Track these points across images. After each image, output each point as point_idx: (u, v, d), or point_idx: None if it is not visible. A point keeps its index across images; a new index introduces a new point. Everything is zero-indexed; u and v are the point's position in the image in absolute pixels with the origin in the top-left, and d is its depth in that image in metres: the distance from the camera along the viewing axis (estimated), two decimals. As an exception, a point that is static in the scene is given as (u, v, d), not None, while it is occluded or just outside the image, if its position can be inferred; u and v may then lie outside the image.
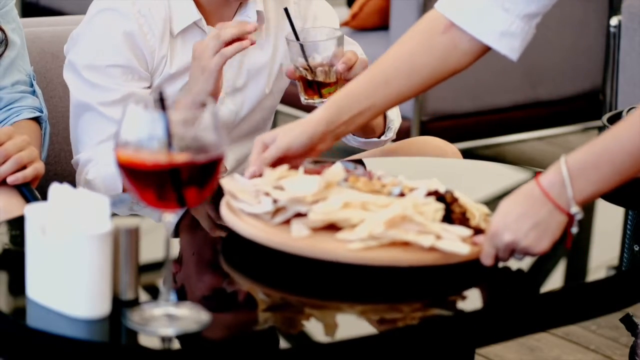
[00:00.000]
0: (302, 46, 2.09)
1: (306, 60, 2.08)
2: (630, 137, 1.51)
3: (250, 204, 1.60)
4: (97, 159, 2.12)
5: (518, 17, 1.78)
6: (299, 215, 1.58)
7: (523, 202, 1.53)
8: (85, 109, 2.16)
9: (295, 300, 1.51)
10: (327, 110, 1.80)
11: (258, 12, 2.27)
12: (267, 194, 1.59)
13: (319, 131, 1.79)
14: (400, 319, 1.47)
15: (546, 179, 1.53)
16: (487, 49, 1.83)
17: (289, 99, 2.47)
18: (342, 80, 2.09)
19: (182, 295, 1.49)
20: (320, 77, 2.09)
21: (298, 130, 1.79)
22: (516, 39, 1.80)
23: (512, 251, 1.55)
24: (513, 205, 1.54)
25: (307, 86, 2.11)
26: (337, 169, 1.63)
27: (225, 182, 1.64)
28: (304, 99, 2.13)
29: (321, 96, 2.10)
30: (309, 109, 1.98)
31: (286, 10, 2.15)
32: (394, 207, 1.57)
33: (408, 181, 1.74)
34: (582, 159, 1.53)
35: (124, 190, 2.03)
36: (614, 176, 1.52)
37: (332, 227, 1.58)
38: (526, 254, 1.54)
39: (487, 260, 1.56)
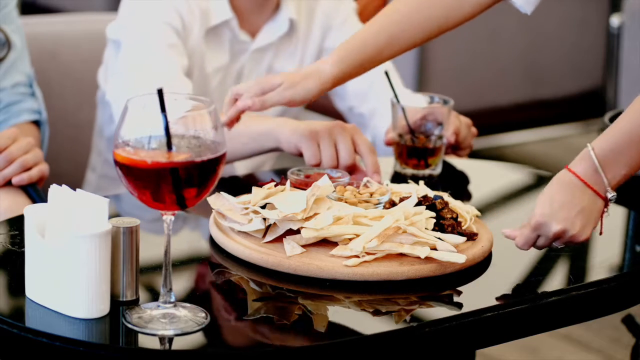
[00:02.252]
0: (404, 110, 2.01)
1: (409, 125, 2.01)
2: None
3: (240, 223, 1.60)
4: None
5: None
6: (289, 231, 1.58)
7: (564, 191, 1.54)
8: (141, 47, 2.17)
9: (288, 290, 1.50)
10: (337, 67, 1.78)
11: (291, 20, 2.27)
12: (256, 212, 1.59)
13: (324, 89, 1.79)
14: (396, 311, 1.46)
15: (579, 167, 1.54)
16: (496, 0, 1.82)
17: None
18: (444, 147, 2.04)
19: (181, 296, 1.48)
20: (428, 145, 2.00)
21: (304, 85, 1.77)
22: None
23: (555, 240, 1.56)
24: (556, 194, 1.54)
25: (410, 155, 2.02)
26: (324, 183, 1.62)
27: (213, 200, 1.63)
28: (402, 168, 2.03)
29: (427, 166, 2.02)
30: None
31: (386, 73, 2.09)
32: (386, 219, 1.56)
33: (394, 186, 1.74)
34: (608, 146, 1.54)
35: None
36: None
37: (324, 241, 1.58)
38: (571, 242, 1.55)
39: (525, 246, 1.58)
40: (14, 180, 1.99)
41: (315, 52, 2.36)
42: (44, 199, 1.96)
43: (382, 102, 2.31)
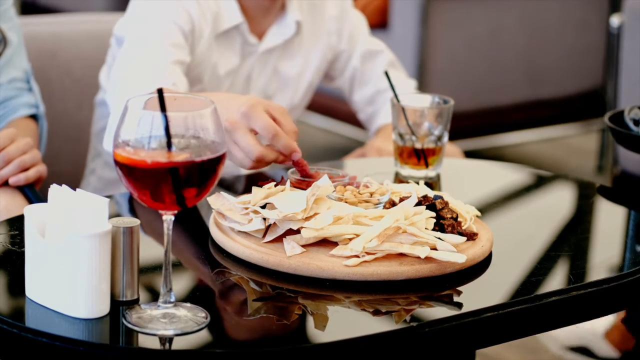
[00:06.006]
0: (404, 110, 2.00)
1: (409, 125, 1.99)
2: None
3: (240, 223, 1.60)
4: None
5: None
6: (289, 231, 1.58)
7: None
8: (142, 44, 2.14)
9: (288, 290, 1.50)
10: None
11: (298, 23, 2.28)
12: (256, 212, 1.59)
13: None
14: (396, 311, 1.47)
15: None
16: None
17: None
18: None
19: (181, 295, 1.48)
20: (428, 145, 1.99)
21: None
22: None
23: None
24: None
25: (410, 155, 1.99)
26: (325, 183, 1.62)
27: (213, 200, 1.63)
28: (402, 169, 2.01)
29: (427, 166, 2.00)
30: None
31: (386, 73, 2.08)
32: (386, 219, 1.56)
33: (394, 186, 1.74)
34: None
35: None
36: None
37: (324, 241, 1.58)
38: None
39: None
40: (11, 181, 1.98)
41: (321, 55, 2.36)
42: (40, 200, 1.96)
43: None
